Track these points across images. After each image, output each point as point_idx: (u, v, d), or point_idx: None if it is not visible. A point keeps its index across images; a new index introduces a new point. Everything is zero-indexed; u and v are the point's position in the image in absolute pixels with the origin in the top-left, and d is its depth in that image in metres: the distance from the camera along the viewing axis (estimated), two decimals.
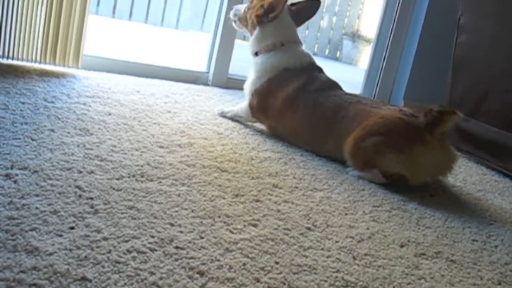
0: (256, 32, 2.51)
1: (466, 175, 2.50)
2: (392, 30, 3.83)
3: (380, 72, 3.90)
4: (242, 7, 2.64)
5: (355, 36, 8.21)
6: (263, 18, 2.47)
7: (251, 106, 2.46)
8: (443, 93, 3.06)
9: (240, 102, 2.61)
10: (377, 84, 3.92)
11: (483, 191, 2.30)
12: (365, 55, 7.50)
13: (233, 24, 2.72)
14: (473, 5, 2.83)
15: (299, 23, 2.57)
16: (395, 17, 3.81)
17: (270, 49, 2.47)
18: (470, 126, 2.83)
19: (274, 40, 2.47)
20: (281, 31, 2.48)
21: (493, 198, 2.22)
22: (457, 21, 2.91)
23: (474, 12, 2.82)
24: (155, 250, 1.20)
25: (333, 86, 2.41)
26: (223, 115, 2.60)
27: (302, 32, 7.67)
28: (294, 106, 2.32)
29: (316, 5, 2.57)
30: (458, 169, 2.57)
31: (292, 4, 2.54)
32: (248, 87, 2.50)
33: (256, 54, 2.51)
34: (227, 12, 3.19)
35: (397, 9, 3.80)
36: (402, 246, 1.54)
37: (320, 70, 2.48)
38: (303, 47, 2.55)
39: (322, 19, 8.17)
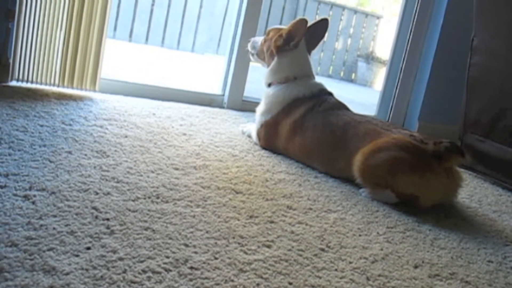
0: (273, 63, 2.56)
1: (482, 196, 2.49)
2: (406, 51, 3.84)
3: (395, 94, 3.91)
4: (259, 40, 2.70)
5: (370, 58, 8.24)
6: (284, 47, 2.52)
7: (259, 136, 2.52)
8: (457, 114, 3.06)
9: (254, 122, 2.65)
10: (392, 106, 3.93)
11: (498, 212, 2.29)
12: (379, 76, 7.52)
13: (250, 56, 2.77)
14: (486, 26, 2.84)
15: (313, 47, 2.63)
16: (409, 39, 3.83)
17: (282, 81, 2.52)
18: (485, 146, 2.82)
19: (288, 74, 2.52)
20: (296, 65, 2.54)
21: (509, 219, 2.21)
22: (470, 42, 2.92)
23: (487, 33, 2.83)
24: (170, 270, 1.22)
25: (342, 107, 2.44)
26: (243, 132, 2.71)
27: (317, 54, 7.73)
28: (304, 127, 2.35)
29: (325, 24, 2.63)
30: (473, 190, 2.57)
31: None
32: (258, 116, 2.55)
33: (269, 85, 2.56)
34: (242, 36, 3.23)
35: (411, 30, 3.82)
36: (416, 267, 1.54)
37: (329, 94, 2.52)
38: (315, 80, 2.58)
39: (337, 41, 8.22)
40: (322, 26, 2.63)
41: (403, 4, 3.85)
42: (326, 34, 2.71)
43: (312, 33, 2.61)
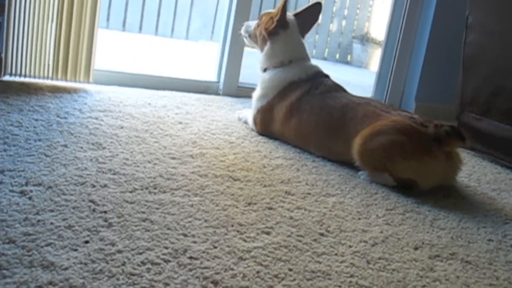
0: (266, 48, 2.55)
1: (481, 175, 2.48)
2: (401, 32, 3.82)
3: (391, 75, 3.90)
4: (253, 24, 2.68)
5: (365, 39, 8.20)
6: (272, 29, 2.50)
7: (255, 121, 2.51)
8: (454, 93, 3.04)
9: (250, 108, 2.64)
10: (388, 87, 3.91)
11: (497, 190, 2.29)
12: (375, 57, 7.49)
13: (244, 39, 2.76)
14: (480, 3, 2.82)
15: (307, 31, 2.62)
16: (403, 19, 3.81)
17: (278, 65, 2.50)
18: (482, 125, 2.81)
19: (282, 58, 2.51)
20: (290, 49, 2.53)
21: (508, 197, 2.21)
22: (465, 20, 2.91)
23: (482, 10, 2.81)
24: (169, 261, 1.22)
25: (339, 89, 2.43)
26: (239, 119, 2.70)
27: (312, 37, 7.68)
28: (300, 110, 2.34)
29: (318, 8, 2.61)
30: (472, 168, 2.56)
31: (296, 15, 2.56)
32: (254, 102, 2.54)
33: (265, 70, 2.55)
34: (236, 22, 3.21)
35: (405, 10, 3.79)
36: (416, 248, 1.54)
37: (326, 76, 2.50)
38: (311, 62, 2.57)
39: (332, 23, 8.17)
40: (315, 9, 2.61)
41: None
42: (320, 17, 2.70)
43: (305, 17, 2.59)
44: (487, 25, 2.78)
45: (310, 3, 2.63)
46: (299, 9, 2.62)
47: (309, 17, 2.61)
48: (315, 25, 2.71)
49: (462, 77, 2.94)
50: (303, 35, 2.60)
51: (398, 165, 2.02)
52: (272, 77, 2.49)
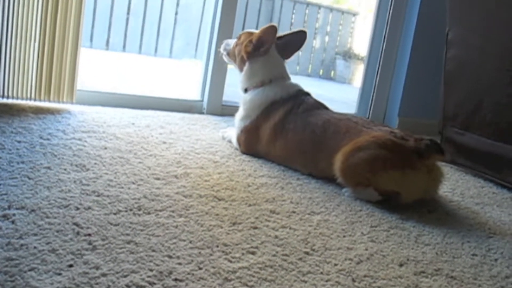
0: (245, 68, 2.55)
1: (464, 189, 2.50)
2: (383, 47, 3.86)
3: (374, 90, 3.93)
4: (232, 42, 2.69)
5: (348, 55, 8.27)
6: (253, 53, 2.51)
7: (239, 142, 2.51)
8: (437, 108, 3.07)
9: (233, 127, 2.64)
10: (371, 102, 3.95)
11: (481, 204, 2.31)
12: (358, 73, 7.54)
13: (223, 57, 2.77)
14: (459, 19, 2.86)
15: (287, 56, 2.62)
16: (385, 34, 3.85)
17: (259, 85, 2.51)
18: (465, 139, 2.84)
19: (263, 77, 2.51)
20: (270, 68, 2.53)
21: (491, 211, 2.23)
22: (445, 36, 2.94)
23: (461, 26, 2.85)
24: (154, 283, 1.21)
25: (320, 106, 2.45)
26: (223, 138, 2.69)
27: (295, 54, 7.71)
28: (285, 130, 2.35)
29: (303, 36, 2.62)
30: (455, 183, 2.58)
31: (279, 38, 2.57)
32: (237, 122, 2.55)
33: (246, 90, 2.56)
34: (219, 40, 3.22)
35: (387, 26, 3.84)
36: (401, 265, 1.54)
37: (307, 94, 2.52)
38: (291, 81, 2.58)
39: (315, 40, 8.24)
40: (299, 37, 2.61)
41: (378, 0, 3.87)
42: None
43: (287, 42, 2.58)
44: (467, 41, 2.82)
45: (295, 30, 2.64)
46: (282, 33, 2.62)
47: (291, 43, 2.60)
48: (296, 53, 2.69)
49: (443, 92, 2.97)
50: (283, 58, 2.60)
51: (381, 177, 2.03)
52: (253, 98, 2.49)
